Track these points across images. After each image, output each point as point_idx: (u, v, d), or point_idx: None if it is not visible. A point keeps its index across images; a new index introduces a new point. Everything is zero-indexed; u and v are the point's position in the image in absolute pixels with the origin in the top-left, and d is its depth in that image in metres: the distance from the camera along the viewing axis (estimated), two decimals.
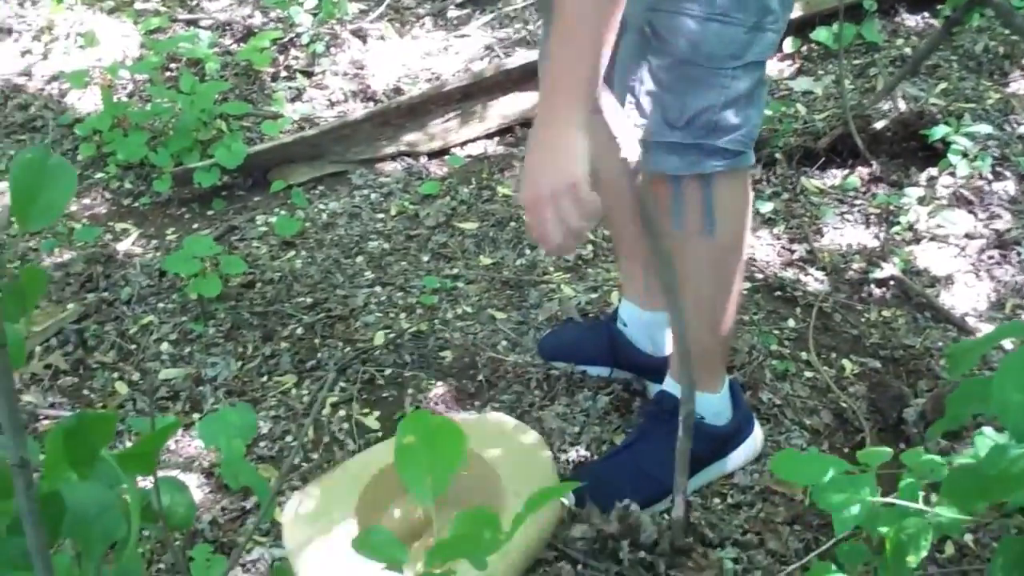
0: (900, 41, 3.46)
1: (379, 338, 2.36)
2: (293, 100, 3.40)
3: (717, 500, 1.92)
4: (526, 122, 3.13)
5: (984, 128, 2.86)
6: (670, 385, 1.89)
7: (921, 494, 1.18)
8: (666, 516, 1.79)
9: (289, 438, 2.11)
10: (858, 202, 2.76)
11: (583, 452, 2.00)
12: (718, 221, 1.69)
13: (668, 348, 2.04)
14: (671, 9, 1.52)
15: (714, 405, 1.89)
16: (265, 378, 2.28)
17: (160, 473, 0.97)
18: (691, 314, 1.71)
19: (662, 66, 1.57)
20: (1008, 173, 2.77)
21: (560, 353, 2.23)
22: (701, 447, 1.84)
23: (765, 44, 1.59)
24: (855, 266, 2.53)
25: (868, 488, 1.19)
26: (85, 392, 2.29)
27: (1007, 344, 2.14)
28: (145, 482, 0.94)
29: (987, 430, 1.17)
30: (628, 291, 2.12)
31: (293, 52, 3.59)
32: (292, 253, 2.72)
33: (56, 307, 2.52)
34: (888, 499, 1.19)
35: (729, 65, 1.56)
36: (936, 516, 1.16)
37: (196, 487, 1.99)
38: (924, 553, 1.18)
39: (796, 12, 3.39)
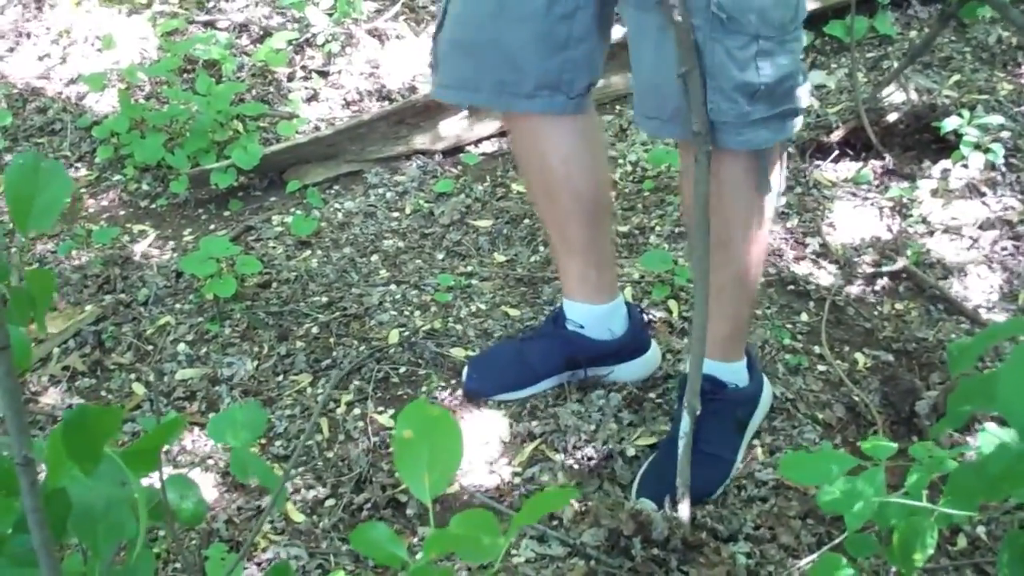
0: (913, 33, 3.45)
1: (394, 336, 2.38)
2: (309, 100, 3.42)
3: (731, 494, 1.93)
4: None
5: (997, 119, 2.85)
6: (709, 367, 1.88)
7: (925, 492, 1.19)
8: (675, 514, 1.79)
9: (303, 436, 2.13)
10: (871, 195, 2.75)
11: (600, 449, 2.01)
12: (772, 185, 1.80)
13: (623, 329, 2.12)
14: None
15: (743, 370, 1.99)
16: (281, 377, 2.30)
17: (175, 472, 0.98)
18: (738, 291, 1.87)
19: (737, 46, 1.60)
20: (1021, 164, 2.76)
21: (499, 383, 2.17)
22: (743, 412, 1.99)
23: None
24: (868, 259, 2.53)
25: (875, 485, 1.20)
26: (103, 393, 2.32)
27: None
28: (155, 480, 0.96)
29: (989, 425, 1.18)
30: (580, 293, 2.10)
31: (309, 52, 3.61)
32: (308, 253, 2.74)
33: (74, 309, 2.55)
34: (895, 497, 1.20)
35: (791, 29, 1.65)
36: (943, 511, 1.17)
37: (212, 486, 2.01)
38: (931, 551, 1.19)
39: (809, 5, 3.37)
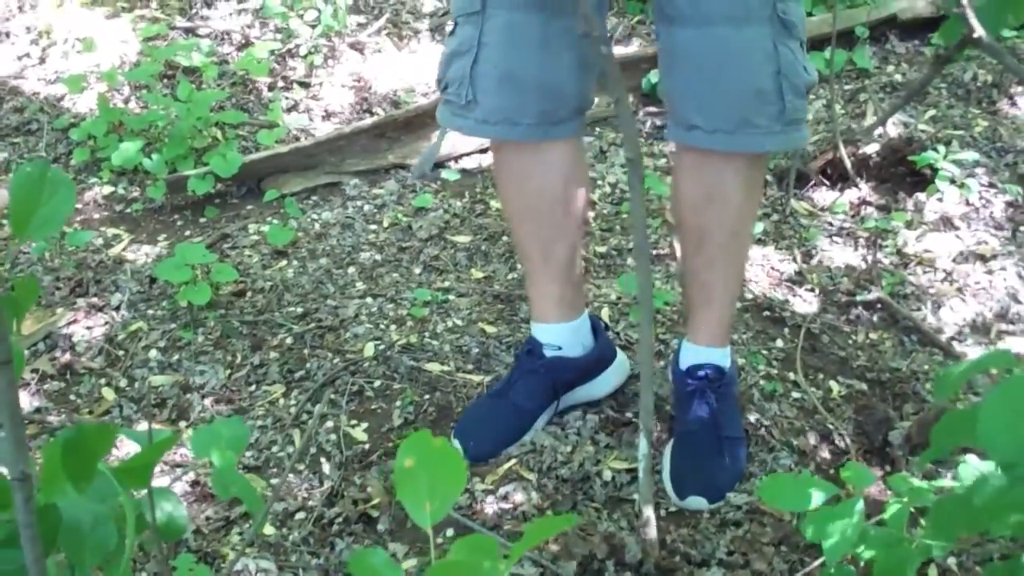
0: (891, 68, 3.49)
1: (369, 350, 2.37)
2: (289, 110, 3.41)
3: (704, 519, 1.93)
4: None
5: (972, 155, 2.89)
6: (713, 356, 2.03)
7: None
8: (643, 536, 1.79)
9: (276, 448, 2.12)
10: (847, 225, 2.78)
11: (576, 470, 2.00)
12: (758, 197, 2.04)
13: (592, 342, 2.14)
14: None
15: (730, 352, 2.09)
16: (253, 387, 2.29)
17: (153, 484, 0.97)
18: (740, 276, 2.04)
19: (792, 48, 1.75)
20: (995, 199, 2.80)
21: (500, 439, 2.08)
22: (737, 391, 2.10)
23: None
24: (843, 288, 2.55)
25: (855, 515, 1.21)
26: (72, 398, 2.29)
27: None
28: (137, 492, 0.95)
29: (970, 458, 1.19)
30: (556, 315, 2.09)
31: (291, 63, 3.60)
32: (284, 262, 2.73)
33: (45, 312, 2.52)
34: (873, 525, 1.21)
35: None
36: (922, 542, 1.18)
37: (180, 495, 1.99)
38: None
39: None
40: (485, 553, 0.67)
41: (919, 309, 2.49)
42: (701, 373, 2.02)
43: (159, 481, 1.98)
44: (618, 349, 2.21)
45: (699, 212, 1.92)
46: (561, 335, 2.10)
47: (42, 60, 3.61)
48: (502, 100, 1.85)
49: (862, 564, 1.25)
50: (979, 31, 0.87)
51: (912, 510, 1.25)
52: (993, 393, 0.91)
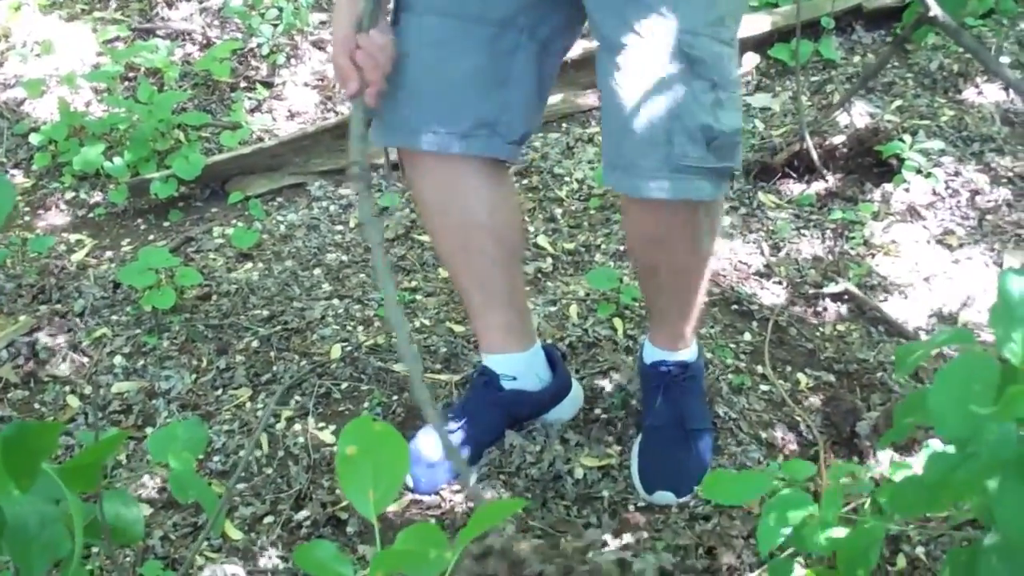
0: (857, 58, 3.50)
1: (336, 351, 2.35)
2: (252, 111, 3.38)
3: (674, 513, 1.92)
4: None
5: (938, 144, 2.89)
6: (680, 356, 2.02)
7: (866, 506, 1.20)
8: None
9: (243, 452, 2.09)
10: (814, 217, 2.78)
11: (546, 469, 1.99)
12: (710, 241, 1.86)
13: (549, 375, 2.06)
14: (710, 34, 1.59)
15: (695, 345, 2.08)
16: (219, 392, 2.26)
17: (112, 487, 0.95)
18: (695, 299, 1.95)
19: (702, 88, 1.59)
20: (961, 189, 2.81)
21: (451, 470, 2.01)
22: (703, 382, 2.11)
23: None
24: (810, 280, 2.55)
25: (802, 503, 1.21)
26: (36, 406, 2.26)
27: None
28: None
29: (934, 442, 1.19)
30: (506, 345, 2.02)
31: (253, 63, 3.57)
32: (249, 265, 2.70)
33: (7, 319, 2.48)
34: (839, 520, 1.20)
35: (737, 88, 1.65)
36: (877, 523, 1.18)
37: (146, 502, 1.97)
38: (873, 565, 1.20)
39: (756, 30, 3.42)
40: (432, 542, 0.66)
41: (886, 300, 2.49)
42: (665, 368, 2.01)
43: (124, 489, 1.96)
44: (575, 381, 2.15)
45: (646, 252, 1.86)
46: (514, 366, 2.02)
47: (0, 64, 3.56)
48: (396, 104, 1.74)
49: (827, 558, 1.26)
50: (935, 10, 0.86)
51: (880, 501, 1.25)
52: (944, 370, 0.91)
